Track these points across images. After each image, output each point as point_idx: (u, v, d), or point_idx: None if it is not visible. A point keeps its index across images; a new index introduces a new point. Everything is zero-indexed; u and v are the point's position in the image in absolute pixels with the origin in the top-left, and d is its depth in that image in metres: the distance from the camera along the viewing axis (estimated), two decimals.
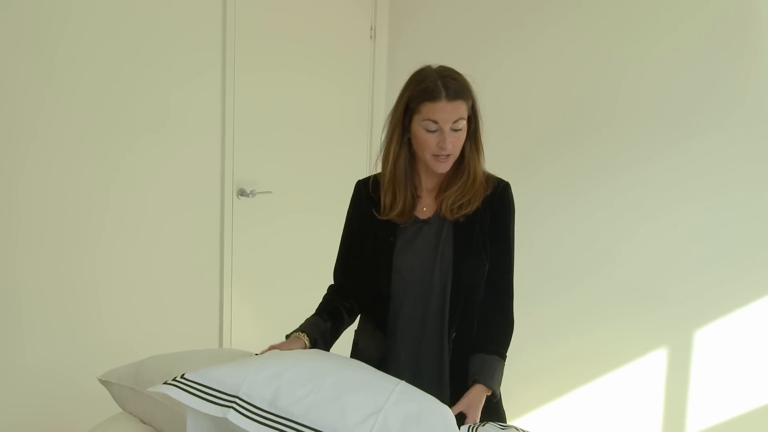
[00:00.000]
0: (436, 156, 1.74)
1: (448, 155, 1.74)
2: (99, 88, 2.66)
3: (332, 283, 1.99)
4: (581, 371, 3.02)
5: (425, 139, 1.73)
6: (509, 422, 1.88)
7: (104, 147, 2.71)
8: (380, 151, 1.86)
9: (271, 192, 3.25)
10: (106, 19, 2.66)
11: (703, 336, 2.68)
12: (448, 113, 1.70)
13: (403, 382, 1.51)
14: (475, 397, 1.76)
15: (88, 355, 2.67)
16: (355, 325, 2.01)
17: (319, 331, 1.81)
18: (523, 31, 3.11)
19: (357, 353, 1.96)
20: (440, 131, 1.71)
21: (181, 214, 2.97)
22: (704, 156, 2.63)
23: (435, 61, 1.79)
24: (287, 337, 1.80)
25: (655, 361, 2.81)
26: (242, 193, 3.16)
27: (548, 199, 3.06)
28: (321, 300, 1.95)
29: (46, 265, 2.62)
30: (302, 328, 1.80)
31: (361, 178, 1.96)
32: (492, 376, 1.79)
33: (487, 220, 1.82)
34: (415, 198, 1.84)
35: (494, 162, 1.93)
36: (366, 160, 3.57)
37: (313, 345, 1.77)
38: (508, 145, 3.09)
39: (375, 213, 1.84)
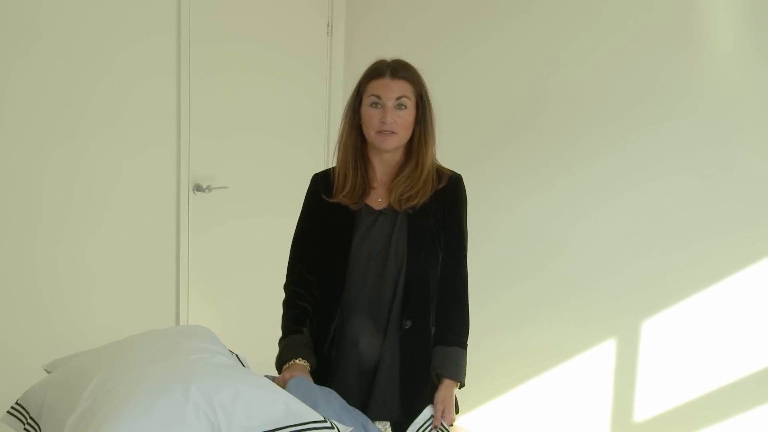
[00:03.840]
0: (379, 132, 1.79)
1: (392, 132, 1.78)
2: (62, 89, 2.68)
3: (287, 282, 1.96)
4: (531, 364, 3.08)
5: (370, 116, 1.80)
6: (461, 416, 1.92)
7: (65, 144, 2.71)
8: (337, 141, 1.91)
9: (227, 187, 3.24)
10: (68, 24, 2.67)
11: (649, 327, 2.76)
12: (391, 90, 1.78)
13: None
14: (447, 394, 1.80)
15: (45, 346, 2.64)
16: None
17: (311, 350, 1.85)
18: (477, 29, 3.16)
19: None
20: (384, 107, 1.78)
21: (137, 209, 2.96)
22: (649, 149, 2.70)
23: (392, 57, 1.86)
24: (281, 363, 1.82)
25: (604, 352, 2.88)
26: (198, 188, 3.15)
27: (496, 194, 3.12)
28: (287, 305, 1.93)
29: (6, 256, 2.62)
30: (299, 353, 1.82)
31: (317, 172, 1.98)
32: (456, 368, 1.83)
33: (441, 211, 1.86)
34: (367, 184, 1.86)
35: (447, 156, 1.97)
36: (323, 155, 3.58)
37: (311, 367, 1.82)
38: (459, 141, 3.15)
39: (325, 197, 1.87)
